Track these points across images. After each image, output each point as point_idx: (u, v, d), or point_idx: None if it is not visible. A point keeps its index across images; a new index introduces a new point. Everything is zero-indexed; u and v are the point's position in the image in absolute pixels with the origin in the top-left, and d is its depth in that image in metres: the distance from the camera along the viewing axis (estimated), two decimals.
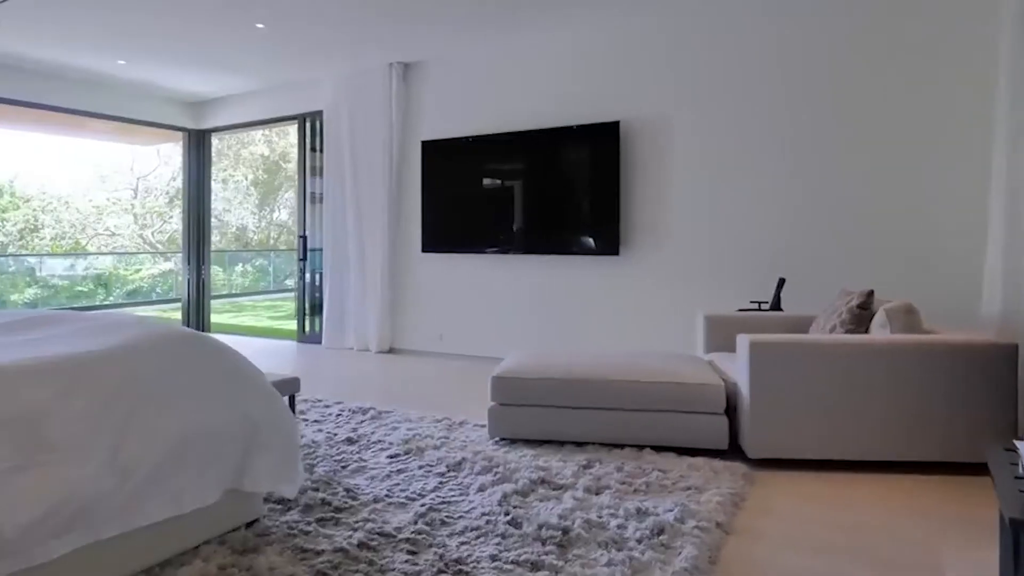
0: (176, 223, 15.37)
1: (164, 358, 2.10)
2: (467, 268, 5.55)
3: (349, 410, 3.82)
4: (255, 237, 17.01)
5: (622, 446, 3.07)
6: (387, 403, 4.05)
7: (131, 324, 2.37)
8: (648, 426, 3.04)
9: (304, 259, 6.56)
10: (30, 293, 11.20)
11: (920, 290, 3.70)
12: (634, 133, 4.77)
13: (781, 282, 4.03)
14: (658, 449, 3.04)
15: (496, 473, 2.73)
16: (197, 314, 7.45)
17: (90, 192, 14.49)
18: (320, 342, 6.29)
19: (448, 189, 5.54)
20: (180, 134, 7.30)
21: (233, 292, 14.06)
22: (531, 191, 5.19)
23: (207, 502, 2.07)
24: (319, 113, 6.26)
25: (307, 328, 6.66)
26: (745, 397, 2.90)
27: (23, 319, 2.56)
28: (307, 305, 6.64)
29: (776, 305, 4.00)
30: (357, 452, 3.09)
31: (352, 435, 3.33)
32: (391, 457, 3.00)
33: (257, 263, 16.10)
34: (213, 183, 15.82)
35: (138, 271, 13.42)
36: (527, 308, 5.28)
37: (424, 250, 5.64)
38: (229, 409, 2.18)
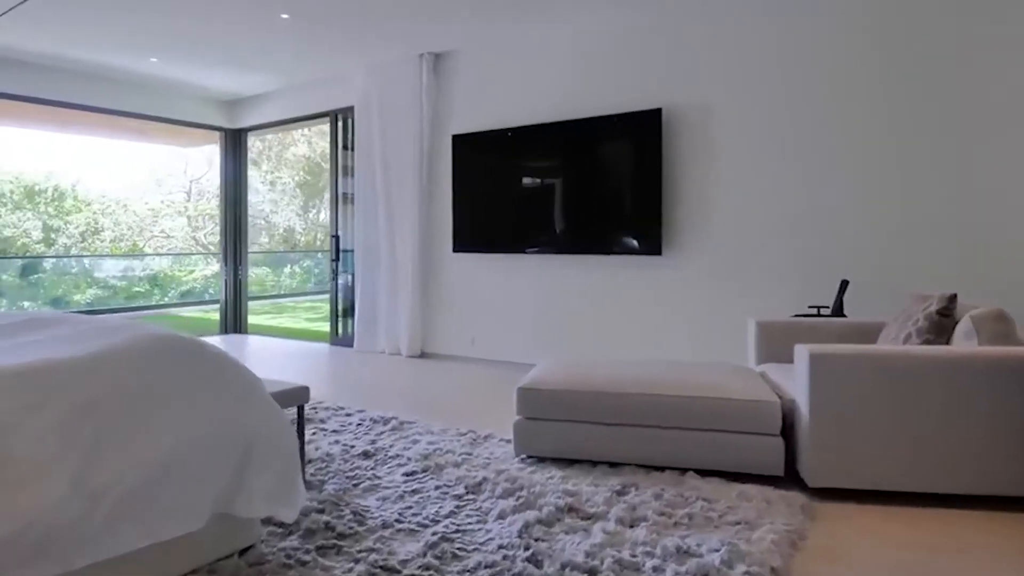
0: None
1: (148, 366, 1.90)
2: (499, 269, 5.29)
3: (370, 419, 3.61)
4: (302, 239, 17.20)
5: (662, 469, 2.75)
6: (411, 412, 3.82)
7: (123, 328, 2.19)
8: (692, 447, 2.71)
9: (337, 259, 6.42)
10: (90, 294, 11.56)
11: (1010, 296, 3.25)
12: (677, 122, 4.42)
13: (844, 285, 3.63)
14: (703, 473, 2.70)
15: (519, 497, 2.45)
16: (234, 315, 7.42)
17: (146, 195, 14.89)
18: (352, 345, 6.13)
19: (479, 185, 5.29)
20: (218, 134, 7.28)
21: (281, 293, 14.18)
22: (567, 186, 4.88)
23: (192, 528, 1.86)
24: (350, 109, 6.11)
25: (339, 330, 6.52)
26: (804, 416, 2.54)
27: (22, 321, 2.42)
28: (339, 307, 6.50)
29: (838, 310, 3.60)
30: (372, 468, 2.86)
31: (369, 448, 3.11)
32: (407, 475, 2.76)
33: (305, 264, 16.28)
34: (260, 184, 16.03)
35: (191, 272, 13.70)
36: (563, 312, 4.98)
37: (455, 250, 5.40)
38: (220, 424, 1.97)
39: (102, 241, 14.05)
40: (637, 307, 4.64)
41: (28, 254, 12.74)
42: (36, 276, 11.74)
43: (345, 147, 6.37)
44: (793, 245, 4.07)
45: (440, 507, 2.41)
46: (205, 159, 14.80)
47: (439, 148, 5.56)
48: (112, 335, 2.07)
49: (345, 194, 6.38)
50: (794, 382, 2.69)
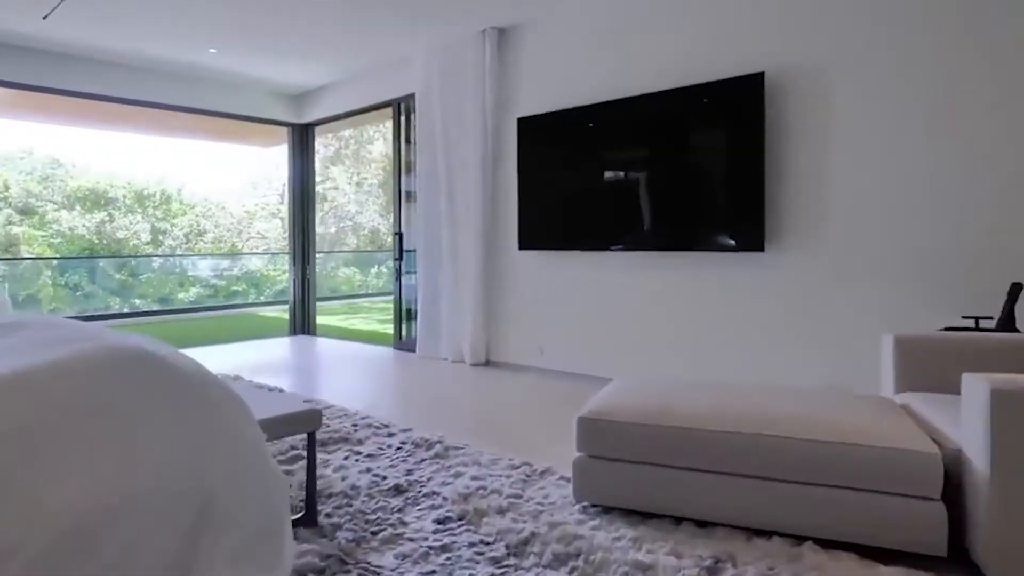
0: (318, 226, 15.99)
1: (81, 393, 1.46)
2: (569, 268, 4.68)
3: (413, 442, 3.12)
4: (388, 239, 17.29)
5: (769, 534, 2.06)
6: (461, 434, 3.30)
7: (85, 338, 1.79)
8: (812, 507, 2.01)
9: (400, 259, 6.03)
10: (193, 292, 12.11)
11: None
12: (785, 88, 3.64)
13: (1015, 289, 2.77)
14: (826, 544, 1.99)
15: (573, 568, 1.86)
16: (303, 315, 7.22)
17: (243, 198, 15.46)
18: (415, 350, 5.71)
19: (547, 173, 4.69)
20: (287, 131, 7.10)
21: (354, 293, 14.23)
22: (648, 171, 4.19)
23: None
24: (412, 97, 5.69)
25: (403, 334, 6.12)
26: (981, 475, 1.79)
27: (6, 324, 2.08)
28: (403, 309, 6.10)
29: (1007, 323, 2.75)
30: (400, 509, 2.35)
31: (403, 481, 2.61)
32: (439, 523, 2.23)
33: (390, 264, 16.33)
34: (347, 185, 16.14)
35: (284, 272, 14.05)
36: (644, 318, 4.30)
37: (521, 247, 4.83)
38: (171, 469, 1.50)
39: (205, 243, 14.70)
40: (734, 315, 3.90)
41: (132, 254, 13.50)
42: (145, 275, 12.43)
43: (408, 140, 5.97)
44: (939, 239, 3.21)
45: (471, 575, 1.86)
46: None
47: (504, 134, 5.02)
48: (64, 346, 1.66)
49: (409, 192, 5.99)
50: (959, 425, 1.94)
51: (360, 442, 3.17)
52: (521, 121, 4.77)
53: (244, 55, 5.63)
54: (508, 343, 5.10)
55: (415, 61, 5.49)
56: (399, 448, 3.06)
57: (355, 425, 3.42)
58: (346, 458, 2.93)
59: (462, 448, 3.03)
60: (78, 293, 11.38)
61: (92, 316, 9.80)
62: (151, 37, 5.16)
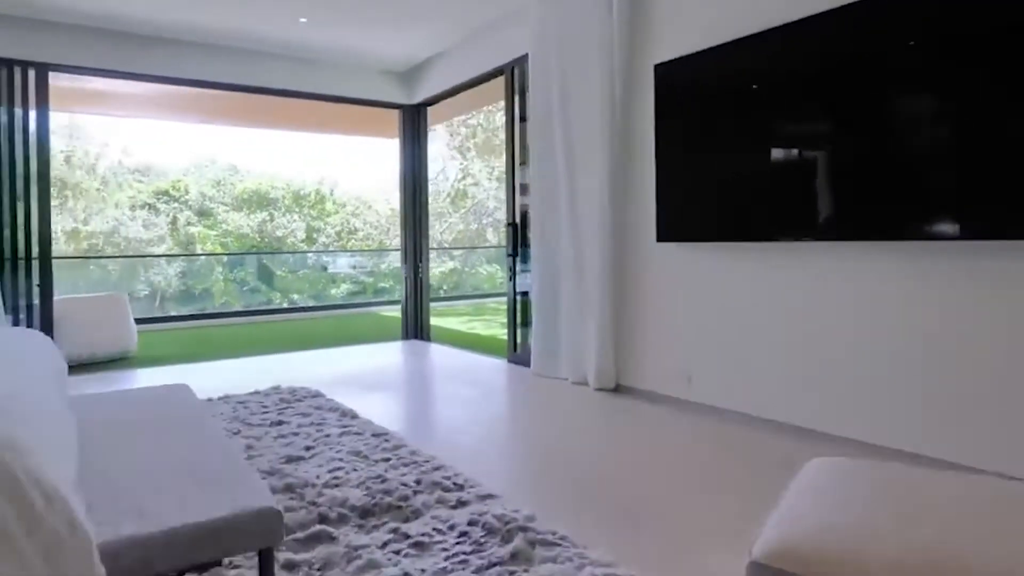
0: (459, 223, 15.74)
1: None
2: (731, 267, 3.39)
3: (486, 524, 2.10)
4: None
5: None
6: (562, 510, 2.23)
7: None
8: None
9: (514, 255, 5.06)
10: (344, 288, 12.44)
11: None
12: None
13: None
14: None
15: None
16: (415, 318, 6.51)
17: (389, 195, 15.71)
18: (529, 364, 4.71)
19: (695, 137, 3.43)
20: (398, 114, 6.43)
21: (497, 292, 13.76)
22: (845, 126, 2.81)
23: None
24: (526, 59, 4.67)
25: (518, 343, 5.14)
26: None
27: None
28: (517, 314, 5.12)
29: None
30: None
31: None
32: None
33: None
34: (487, 180, 15.71)
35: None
36: (840, 338, 2.93)
37: (660, 238, 3.63)
38: None
39: (356, 240, 15.08)
40: (1002, 341, 2.44)
41: (288, 251, 14.13)
42: (302, 272, 12.95)
43: (523, 118, 4.97)
44: None
45: None
46: (439, 158, 15.03)
47: (638, 91, 3.83)
48: None
49: (523, 185, 5.04)
50: None
51: (415, 514, 2.22)
52: (660, 68, 3.54)
53: (337, 24, 4.95)
54: (644, 364, 3.92)
55: (528, 11, 4.48)
56: (464, 533, 2.06)
57: (418, 482, 2.48)
58: (383, 545, 1.99)
59: (557, 544, 1.96)
60: (244, 288, 11.96)
61: (256, 311, 10.08)
62: (237, 10, 4.64)
